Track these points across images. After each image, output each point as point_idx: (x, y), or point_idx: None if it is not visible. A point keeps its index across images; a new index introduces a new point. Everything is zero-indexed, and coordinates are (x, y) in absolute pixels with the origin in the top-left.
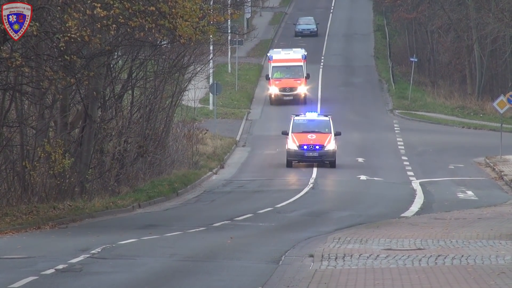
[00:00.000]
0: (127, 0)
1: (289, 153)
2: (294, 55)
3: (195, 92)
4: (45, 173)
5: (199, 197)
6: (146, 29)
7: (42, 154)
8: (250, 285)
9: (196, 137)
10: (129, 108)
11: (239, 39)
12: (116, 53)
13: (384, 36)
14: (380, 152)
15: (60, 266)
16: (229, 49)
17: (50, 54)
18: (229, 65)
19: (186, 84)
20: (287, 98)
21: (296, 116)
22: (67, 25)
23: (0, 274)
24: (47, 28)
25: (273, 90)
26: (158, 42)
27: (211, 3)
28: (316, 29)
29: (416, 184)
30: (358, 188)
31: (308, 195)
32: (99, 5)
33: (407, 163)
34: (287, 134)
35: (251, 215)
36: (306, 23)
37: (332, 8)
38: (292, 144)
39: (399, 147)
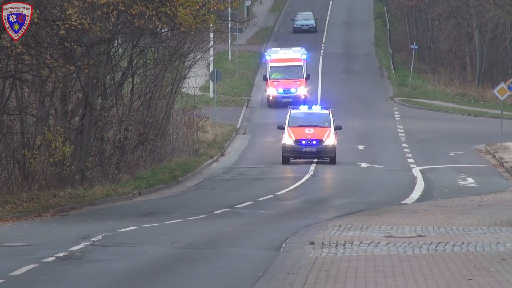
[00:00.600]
0: None
1: (285, 149)
2: (294, 54)
3: (195, 80)
4: (45, 161)
5: (200, 184)
6: (147, 16)
7: (43, 142)
8: (251, 273)
9: (197, 125)
10: (129, 96)
11: (239, 27)
12: (116, 41)
13: (384, 24)
14: (381, 139)
15: (61, 254)
16: (229, 37)
17: (50, 42)
18: (229, 52)
19: (186, 71)
20: (286, 100)
21: (293, 109)
22: (67, 12)
23: (0, 262)
24: (47, 16)
25: (271, 91)
26: (158, 30)
27: None
28: (315, 25)
29: (416, 171)
30: (358, 175)
31: (309, 182)
32: None
33: (408, 150)
34: (283, 128)
35: (251, 202)
36: (305, 18)
37: None
38: (288, 139)
39: (400, 134)
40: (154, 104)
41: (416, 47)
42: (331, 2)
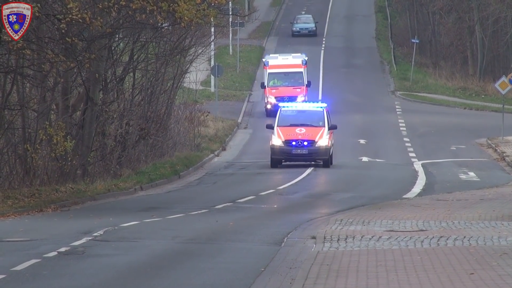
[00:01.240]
0: None
1: (273, 151)
2: (293, 60)
3: (197, 74)
4: (47, 156)
5: (201, 179)
6: (148, 11)
7: (44, 137)
8: (253, 267)
9: (198, 119)
10: (130, 90)
11: (240, 21)
12: (117, 36)
13: (385, 18)
14: (382, 133)
15: (63, 249)
16: (230, 31)
17: (51, 36)
18: (231, 47)
19: (187, 66)
20: None
21: (283, 106)
22: (68, 6)
23: (2, 257)
24: (48, 11)
25: (269, 99)
26: (159, 25)
27: None
28: (315, 28)
29: (418, 165)
30: (360, 169)
31: (310, 176)
32: None
33: (409, 144)
34: (272, 127)
35: (253, 197)
36: (304, 21)
37: None
38: (277, 139)
39: (401, 128)
40: (156, 98)
41: (417, 41)
42: None
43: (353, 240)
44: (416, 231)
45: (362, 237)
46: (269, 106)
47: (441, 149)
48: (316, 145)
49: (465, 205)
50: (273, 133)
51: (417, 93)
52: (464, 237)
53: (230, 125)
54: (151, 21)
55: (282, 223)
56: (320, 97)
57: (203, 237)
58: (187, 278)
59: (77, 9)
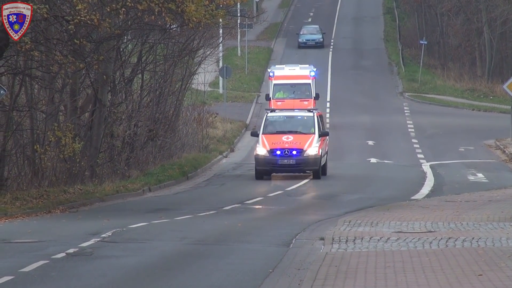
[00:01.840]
0: None
1: (258, 161)
2: (301, 71)
3: (205, 76)
4: (55, 157)
5: (209, 180)
6: (156, 12)
7: (53, 138)
8: (261, 268)
9: (206, 121)
10: (139, 92)
11: (249, 23)
12: (125, 37)
13: (393, 19)
14: (390, 135)
15: (71, 250)
16: (238, 33)
17: (59, 38)
18: (239, 48)
19: (195, 67)
20: None
21: (270, 111)
22: (76, 8)
23: (11, 259)
24: (56, 12)
25: None
26: (168, 26)
27: None
28: (322, 39)
29: (426, 166)
30: (368, 171)
31: (318, 178)
32: None
33: (417, 145)
34: (257, 135)
35: (261, 198)
36: (311, 32)
37: None
38: (261, 148)
39: (409, 129)
40: (164, 100)
41: (426, 43)
42: None
43: (361, 241)
44: (424, 232)
45: (370, 238)
46: None
47: (449, 150)
48: (304, 154)
49: (474, 207)
50: (257, 141)
51: (425, 95)
52: (473, 238)
53: (239, 127)
54: (159, 22)
55: (291, 225)
56: (328, 99)
57: (211, 239)
58: (195, 280)
59: (85, 10)
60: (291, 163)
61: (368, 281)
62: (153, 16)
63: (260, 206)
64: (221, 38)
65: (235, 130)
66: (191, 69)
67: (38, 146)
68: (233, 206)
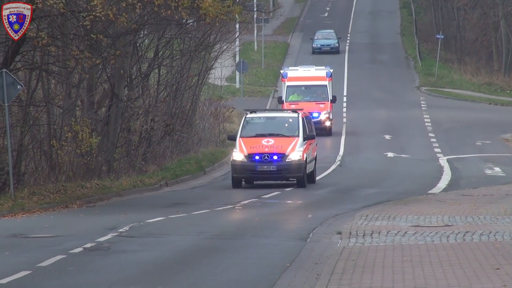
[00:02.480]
0: None
1: (234, 167)
2: (316, 72)
3: (222, 70)
4: (72, 152)
5: (226, 175)
6: (172, 7)
7: (69, 133)
8: (279, 263)
9: (223, 115)
10: (155, 86)
11: (265, 17)
12: (142, 32)
13: (410, 13)
14: (407, 129)
15: (88, 245)
16: (255, 27)
17: (76, 33)
18: (255, 43)
19: (212, 62)
20: None
21: (250, 112)
22: (92, 3)
23: (28, 253)
24: (73, 7)
25: None
26: (184, 21)
27: None
28: (337, 45)
29: (443, 160)
30: (385, 165)
31: (335, 172)
32: None
33: (434, 140)
34: (235, 139)
35: (278, 192)
36: (325, 37)
37: None
38: (238, 153)
39: (426, 124)
40: (181, 94)
41: (442, 37)
42: None
43: (378, 235)
44: (441, 226)
45: (387, 233)
46: None
47: (466, 144)
48: (286, 160)
49: (491, 200)
50: (235, 145)
51: (442, 89)
52: (490, 232)
53: None
54: (176, 17)
55: (308, 219)
56: (345, 93)
57: (228, 233)
58: (213, 274)
59: (101, 6)
60: (271, 169)
61: (385, 275)
62: (169, 11)
63: (277, 201)
64: (237, 33)
65: None
66: (208, 64)
67: (55, 141)
68: (250, 200)
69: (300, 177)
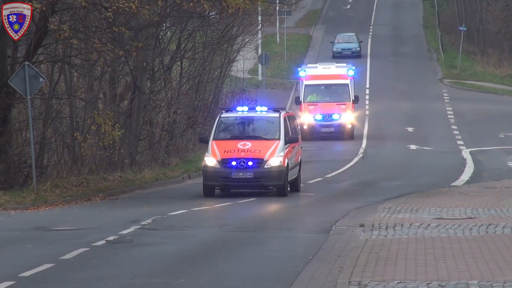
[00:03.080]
0: None
1: (206, 174)
2: (337, 70)
3: (244, 63)
4: (95, 145)
5: None
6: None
7: (92, 126)
8: (301, 255)
9: None
10: (178, 79)
11: (288, 9)
12: (164, 24)
13: (432, 5)
14: (430, 121)
15: (111, 238)
16: (277, 20)
17: (98, 26)
18: (278, 35)
19: (234, 55)
20: (327, 129)
21: (225, 111)
22: None
23: (51, 246)
24: (95, 0)
25: (306, 118)
26: (206, 13)
27: None
28: (359, 48)
29: (466, 153)
30: (408, 157)
31: (358, 165)
32: None
33: (457, 132)
34: (207, 141)
35: (301, 185)
36: (346, 41)
37: None
38: (210, 158)
39: (449, 116)
40: (203, 87)
41: (465, 29)
42: None
43: (401, 228)
44: (464, 218)
45: (410, 225)
46: (306, 127)
47: (489, 136)
48: (265, 166)
49: None
50: (207, 149)
51: (464, 81)
52: None
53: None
54: (198, 9)
55: (330, 211)
56: (367, 85)
57: (251, 226)
58: (235, 267)
59: None
60: (248, 176)
61: (408, 267)
62: (191, 3)
63: (300, 193)
64: (260, 25)
65: None
66: (230, 56)
67: (77, 133)
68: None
69: (280, 185)
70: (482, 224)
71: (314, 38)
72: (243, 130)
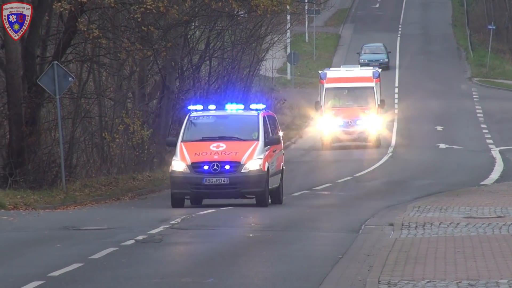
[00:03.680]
0: None
1: (174, 181)
2: (361, 72)
3: (273, 62)
4: (123, 144)
5: None
6: None
7: (121, 126)
8: (331, 254)
9: (275, 107)
10: (207, 78)
11: (316, 9)
12: (193, 24)
13: (461, 4)
14: (459, 120)
15: (140, 237)
16: (306, 19)
17: (127, 25)
18: (307, 34)
19: (263, 54)
20: (348, 137)
21: (193, 111)
22: None
23: (80, 246)
24: (124, 0)
25: (326, 125)
26: (235, 13)
27: None
28: (387, 60)
29: (495, 151)
30: (437, 156)
31: (387, 163)
32: None
33: (486, 131)
34: (175, 144)
35: (330, 184)
36: (373, 51)
37: None
38: (178, 163)
39: (478, 115)
40: (232, 86)
41: (494, 27)
42: None
43: (430, 227)
44: (494, 217)
45: (440, 224)
46: (326, 134)
47: None
48: (242, 170)
49: None
50: (175, 153)
51: (494, 80)
52: None
53: (307, 113)
54: (226, 9)
55: (359, 210)
56: (396, 84)
57: (279, 225)
58: (264, 266)
59: None
60: (222, 182)
61: (437, 266)
62: (220, 3)
63: (329, 192)
64: (288, 25)
65: (303, 116)
66: (259, 56)
67: (106, 133)
68: (301, 192)
69: (260, 192)
70: (511, 223)
71: (343, 37)
72: (216, 130)
